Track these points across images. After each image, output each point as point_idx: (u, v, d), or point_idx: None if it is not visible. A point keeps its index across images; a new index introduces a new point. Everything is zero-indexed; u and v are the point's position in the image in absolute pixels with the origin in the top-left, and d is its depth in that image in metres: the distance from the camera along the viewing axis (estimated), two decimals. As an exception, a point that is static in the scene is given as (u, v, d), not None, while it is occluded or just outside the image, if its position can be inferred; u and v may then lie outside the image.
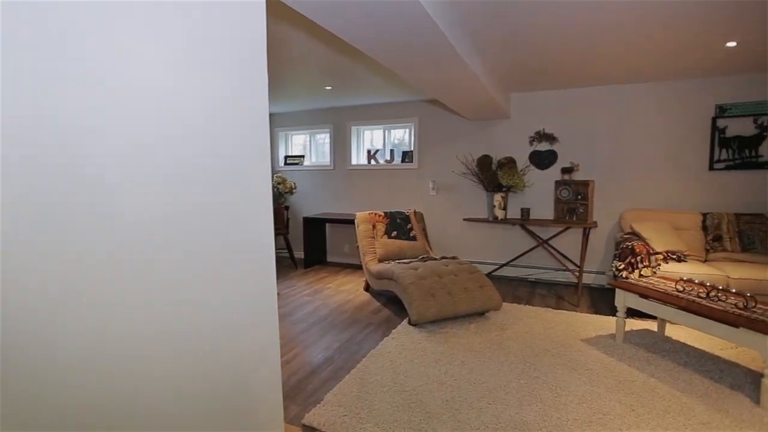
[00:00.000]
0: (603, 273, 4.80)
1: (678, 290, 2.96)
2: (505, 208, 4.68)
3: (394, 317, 3.82)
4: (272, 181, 5.65)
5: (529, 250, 4.77)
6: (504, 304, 4.09)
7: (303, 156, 6.63)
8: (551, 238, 4.58)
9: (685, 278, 3.03)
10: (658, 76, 4.23)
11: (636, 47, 3.36)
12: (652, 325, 3.53)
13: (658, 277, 3.34)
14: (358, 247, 4.63)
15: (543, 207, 4.99)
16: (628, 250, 3.82)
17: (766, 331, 2.26)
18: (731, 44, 3.13)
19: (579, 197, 4.43)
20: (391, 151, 5.91)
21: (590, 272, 4.82)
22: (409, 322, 3.56)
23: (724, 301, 2.70)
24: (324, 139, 6.48)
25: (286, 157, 6.75)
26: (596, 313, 3.97)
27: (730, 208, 4.31)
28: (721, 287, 2.79)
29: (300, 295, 4.55)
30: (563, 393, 2.47)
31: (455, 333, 3.37)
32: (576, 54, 3.54)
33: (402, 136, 6.02)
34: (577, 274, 4.48)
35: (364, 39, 2.40)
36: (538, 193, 5.00)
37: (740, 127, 4.21)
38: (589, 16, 2.75)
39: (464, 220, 4.92)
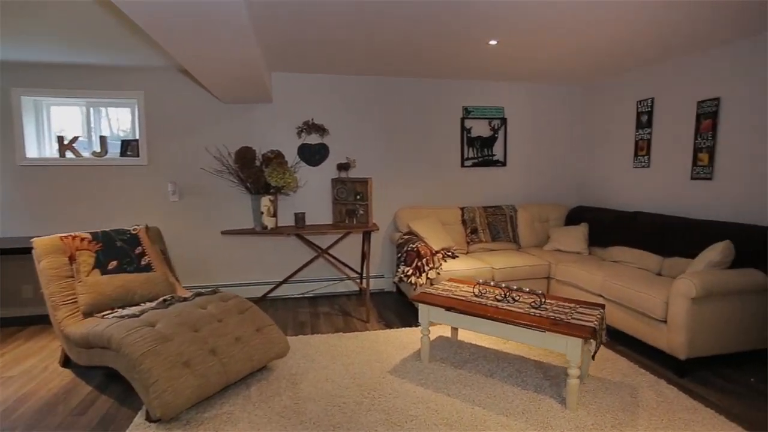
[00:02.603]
0: (382, 276, 4.55)
1: (476, 295, 2.77)
2: (275, 215, 3.74)
3: (118, 411, 2.31)
4: None
5: (308, 262, 4.01)
6: (288, 338, 3.17)
7: None
8: (331, 246, 3.96)
9: (480, 281, 2.88)
10: (421, 73, 4.18)
11: (410, 39, 3.04)
12: (444, 330, 3.35)
13: (451, 281, 3.15)
14: (44, 294, 2.73)
15: (319, 210, 4.32)
16: (414, 253, 3.56)
17: (569, 333, 2.19)
18: (493, 42, 3.18)
19: (358, 197, 3.95)
20: (102, 138, 3.98)
21: (369, 277, 4.48)
22: (149, 418, 2.17)
23: (518, 301, 2.63)
24: (-38, 114, 3.83)
25: None
26: (386, 325, 3.57)
27: (479, 201, 4.75)
28: (516, 287, 2.73)
29: None
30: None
31: (229, 415, 2.22)
32: (363, 35, 2.94)
33: (119, 117, 4.16)
34: (358, 281, 4.02)
35: None
36: (313, 193, 4.29)
37: (481, 129, 4.66)
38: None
39: (223, 233, 3.69)
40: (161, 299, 2.79)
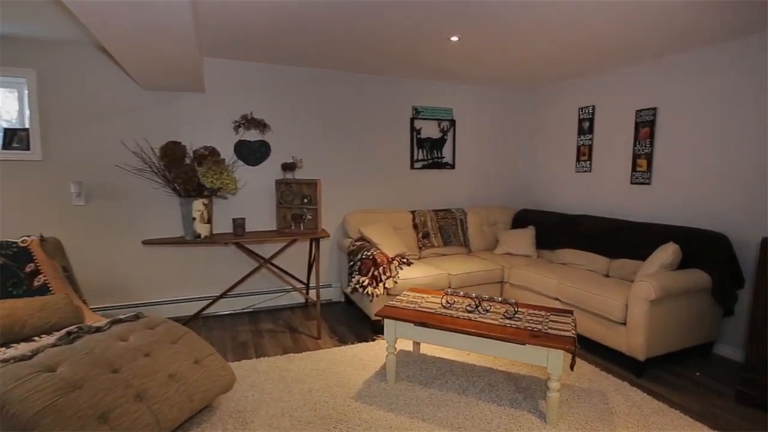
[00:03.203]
0: (329, 286, 4.21)
1: (445, 306, 2.58)
2: (209, 221, 3.24)
3: (4, 486, 1.73)
4: None
5: (249, 274, 3.54)
6: (231, 365, 2.71)
7: None
8: (275, 255, 3.54)
9: (449, 291, 2.69)
10: (373, 69, 3.93)
11: (366, 31, 2.78)
12: (405, 344, 3.13)
13: (413, 291, 2.94)
14: None
15: (261, 215, 3.86)
16: (370, 261, 3.29)
17: (551, 346, 2.08)
18: (454, 39, 3.03)
19: (305, 200, 3.59)
20: (-25, 126, 3.16)
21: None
22: (48, 494, 1.64)
23: (490, 311, 2.49)
24: None
25: None
26: (340, 340, 3.26)
27: (429, 205, 4.61)
28: (487, 297, 2.59)
29: None
30: None
31: (164, 475, 1.76)
32: (314, 25, 2.60)
33: (2, 101, 3.33)
34: (305, 293, 3.65)
35: None
36: (253, 196, 3.82)
37: (431, 130, 4.53)
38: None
39: (145, 243, 3.11)
40: (64, 331, 2.20)
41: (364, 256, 3.36)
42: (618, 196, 3.84)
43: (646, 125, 3.56)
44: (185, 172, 3.02)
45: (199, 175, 3.06)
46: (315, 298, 3.42)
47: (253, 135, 3.77)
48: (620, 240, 3.45)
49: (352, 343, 3.21)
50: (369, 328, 3.50)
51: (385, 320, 2.51)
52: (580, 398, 2.41)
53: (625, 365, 2.84)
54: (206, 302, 3.64)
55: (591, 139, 4.09)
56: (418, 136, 4.48)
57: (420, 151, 4.51)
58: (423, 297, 2.80)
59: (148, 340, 2.16)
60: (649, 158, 3.54)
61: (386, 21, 2.70)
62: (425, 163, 4.54)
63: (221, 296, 3.49)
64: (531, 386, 2.53)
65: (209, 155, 3.19)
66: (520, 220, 4.57)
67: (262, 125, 3.76)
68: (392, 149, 4.35)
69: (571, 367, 2.22)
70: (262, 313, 3.87)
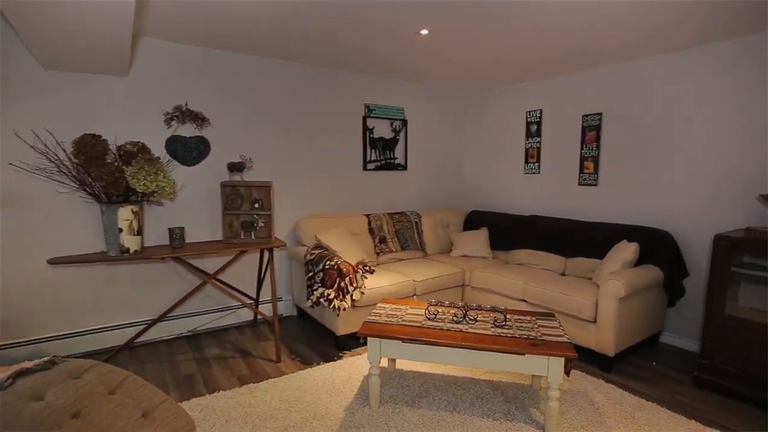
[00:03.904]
0: (280, 299, 3.80)
1: (429, 318, 2.40)
2: (140, 232, 2.68)
3: None
4: None
5: (192, 292, 3.00)
6: (182, 404, 2.23)
7: None
8: (223, 269, 3.05)
9: (432, 302, 2.51)
10: (326, 61, 3.62)
11: (320, 16, 2.49)
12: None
13: (387, 303, 2.71)
14: None
15: (200, 223, 3.32)
16: (335, 271, 2.99)
17: (552, 354, 2.01)
18: (424, 32, 2.86)
19: (256, 206, 3.16)
20: None
21: (266, 302, 3.69)
22: None
23: (478, 320, 2.37)
24: None
25: None
26: (303, 362, 2.92)
27: (382, 207, 4.41)
28: (475, 305, 2.45)
29: None
30: None
31: None
32: (269, 11, 2.25)
33: None
34: (254, 308, 3.22)
35: None
36: (191, 201, 3.28)
37: (383, 129, 4.34)
38: None
39: (51, 262, 2.45)
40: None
41: (327, 266, 3.04)
42: (566, 196, 4.00)
43: (592, 129, 3.75)
44: (110, 172, 2.44)
45: (128, 176, 2.50)
46: (266, 315, 3.02)
47: (188, 130, 3.24)
48: (574, 239, 3.58)
49: (318, 364, 2.88)
50: (332, 345, 3.20)
51: (369, 339, 2.25)
52: (567, 401, 2.39)
53: (593, 361, 2.92)
54: (135, 328, 3.03)
55: (539, 142, 4.22)
56: (371, 135, 4.26)
57: (373, 151, 4.29)
58: (401, 308, 2.59)
59: (74, 394, 1.64)
60: (596, 161, 3.73)
61: (351, 7, 2.43)
62: (378, 164, 4.34)
63: (159, 320, 2.91)
64: (518, 395, 2.46)
65: (139, 152, 2.63)
66: (472, 221, 4.58)
67: (199, 119, 3.24)
68: (345, 149, 4.07)
69: (567, 373, 2.18)
70: (203, 337, 3.34)
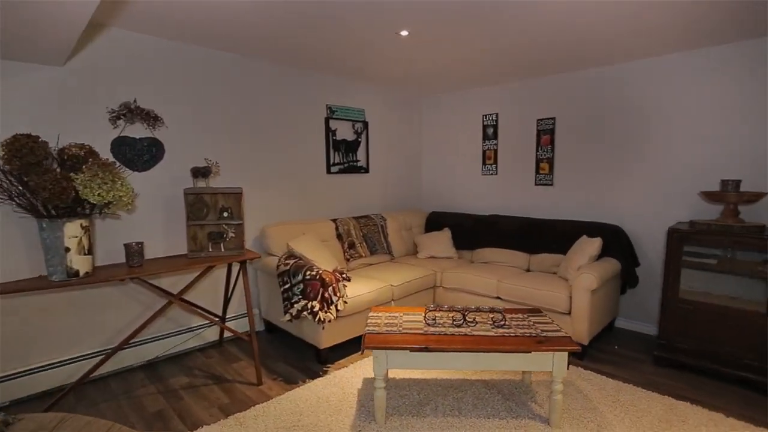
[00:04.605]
0: (249, 314, 3.51)
1: (429, 324, 2.37)
2: (90, 251, 2.28)
3: None
4: None
5: (155, 315, 2.62)
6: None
7: None
8: (189, 286, 2.71)
9: (431, 307, 2.47)
10: (287, 59, 3.41)
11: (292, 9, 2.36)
12: (365, 371, 2.78)
13: (378, 311, 2.62)
14: None
15: (156, 236, 2.93)
16: (318, 281, 2.83)
17: (552, 349, 2.09)
18: (404, 33, 2.81)
19: (225, 215, 2.87)
20: None
21: (233, 318, 3.38)
22: None
23: (477, 322, 2.38)
24: None
25: None
26: (287, 382, 2.72)
27: (347, 212, 4.29)
28: (474, 308, 2.46)
29: None
30: None
31: None
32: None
33: None
34: (223, 325, 2.94)
35: None
36: (145, 212, 2.87)
37: (346, 131, 4.22)
38: None
39: (-25, 292, 1.99)
40: None
41: (308, 276, 2.86)
42: (524, 196, 4.22)
43: (546, 133, 4.00)
44: (55, 181, 2.04)
45: (78, 185, 2.11)
46: (234, 333, 2.77)
47: (138, 130, 2.84)
48: (536, 236, 3.79)
49: (304, 382, 2.70)
50: (313, 359, 3.02)
51: (374, 351, 2.15)
52: (562, 393, 2.50)
53: (567, 351, 3.10)
54: (90, 363, 2.57)
55: (496, 144, 4.41)
56: (334, 137, 4.12)
57: (336, 154, 4.15)
58: (396, 316, 2.52)
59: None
60: (551, 162, 3.99)
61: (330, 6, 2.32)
62: (342, 167, 4.20)
63: (120, 348, 2.47)
64: (514, 392, 2.52)
65: (88, 156, 2.24)
66: (433, 222, 4.65)
67: (151, 118, 2.86)
68: (308, 152, 3.88)
69: (567, 366, 2.28)
70: (162, 364, 2.96)
